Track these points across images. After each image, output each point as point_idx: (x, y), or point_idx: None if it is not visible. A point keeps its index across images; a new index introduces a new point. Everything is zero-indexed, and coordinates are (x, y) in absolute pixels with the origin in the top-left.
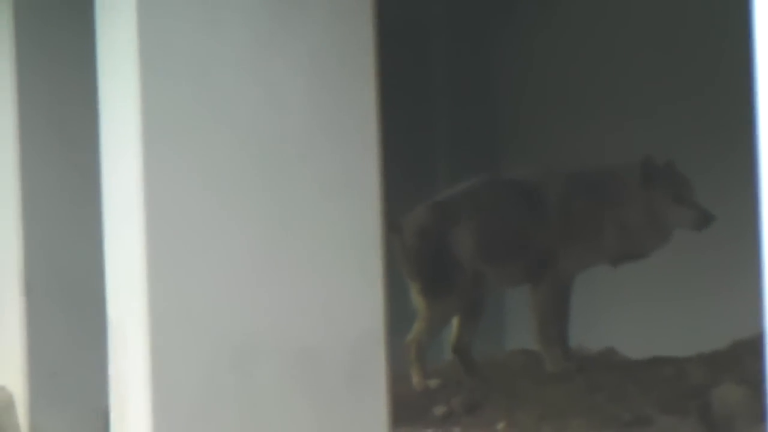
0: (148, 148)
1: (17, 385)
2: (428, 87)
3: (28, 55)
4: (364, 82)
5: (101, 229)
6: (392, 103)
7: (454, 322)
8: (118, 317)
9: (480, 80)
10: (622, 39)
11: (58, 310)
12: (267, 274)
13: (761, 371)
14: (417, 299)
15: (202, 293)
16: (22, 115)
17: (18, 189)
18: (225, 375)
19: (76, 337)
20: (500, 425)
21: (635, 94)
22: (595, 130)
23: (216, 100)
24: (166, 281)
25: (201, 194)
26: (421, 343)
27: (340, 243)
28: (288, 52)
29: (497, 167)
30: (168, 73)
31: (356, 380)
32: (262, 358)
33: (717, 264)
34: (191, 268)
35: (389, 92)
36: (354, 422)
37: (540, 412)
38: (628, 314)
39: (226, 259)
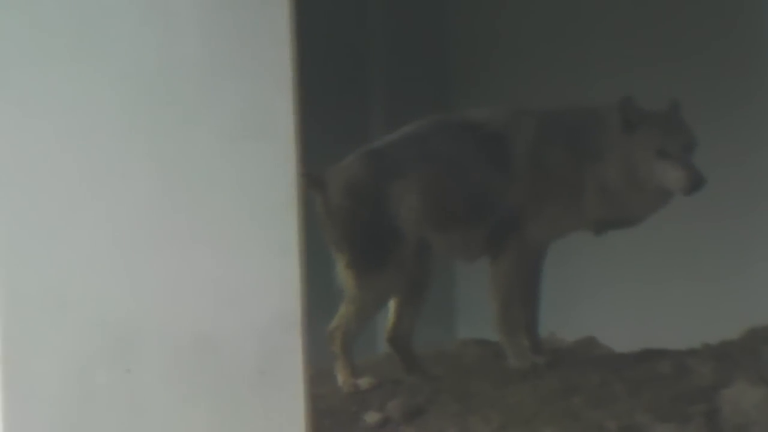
0: None
1: None
2: (362, 13)
3: None
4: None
5: None
6: (315, 31)
7: (391, 305)
8: None
9: (428, 3)
10: None
11: None
12: (152, 245)
13: None
14: (344, 275)
15: (67, 271)
16: None
17: None
18: (99, 372)
19: None
20: None
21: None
22: (574, 72)
23: (89, 22)
24: (18, 257)
25: (64, 143)
26: (349, 332)
27: (245, 204)
28: None
29: (447, 110)
30: None
31: (266, 377)
32: (146, 350)
33: (727, 235)
34: (52, 239)
35: (312, 17)
36: (263, 429)
37: (500, 419)
38: (613, 296)
39: (100, 227)
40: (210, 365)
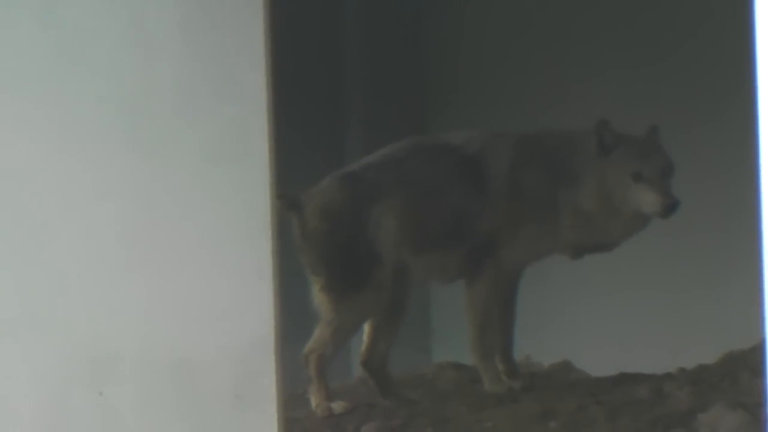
0: None
1: None
2: (340, 34)
3: None
4: (254, 21)
5: None
6: (290, 54)
7: (365, 328)
8: None
9: (405, 27)
10: None
11: None
12: (127, 267)
13: (761, 391)
14: (320, 298)
15: (45, 292)
16: None
17: None
18: (76, 395)
19: None
20: None
21: (600, 50)
22: (547, 94)
23: (66, 42)
24: None
25: (41, 164)
26: (324, 355)
27: (220, 227)
28: None
29: (423, 132)
30: (4, 5)
31: (241, 400)
32: (123, 373)
33: (704, 259)
34: (30, 260)
35: (287, 40)
36: None
37: None
38: (589, 319)
39: (78, 248)
40: (185, 388)
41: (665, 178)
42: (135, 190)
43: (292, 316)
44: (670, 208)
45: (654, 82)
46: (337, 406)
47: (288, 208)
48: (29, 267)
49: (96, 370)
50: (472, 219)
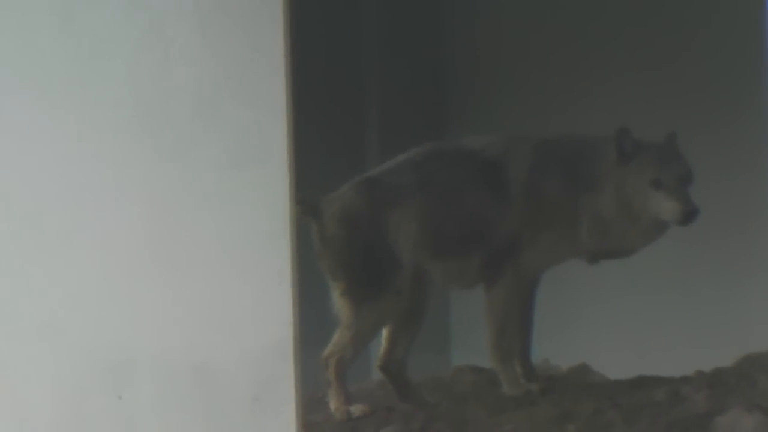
0: None
1: None
2: (360, 40)
3: None
4: (273, 26)
5: None
6: (310, 59)
7: (384, 332)
8: None
9: (424, 32)
10: None
11: None
12: (146, 271)
13: None
14: (340, 303)
15: (64, 298)
16: None
17: None
18: (95, 399)
19: None
20: None
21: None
22: (567, 99)
23: (85, 48)
24: (12, 283)
25: (60, 169)
26: (344, 359)
27: (239, 231)
28: None
29: (442, 137)
30: (24, 12)
31: (260, 404)
32: (142, 377)
33: (721, 262)
34: (50, 265)
35: (309, 42)
36: None
37: None
38: (607, 323)
39: (97, 253)
40: (204, 392)
41: (684, 186)
42: (154, 195)
43: (310, 320)
44: (689, 215)
45: (671, 86)
46: (356, 409)
47: (307, 213)
48: (48, 272)
49: (115, 374)
50: (492, 224)
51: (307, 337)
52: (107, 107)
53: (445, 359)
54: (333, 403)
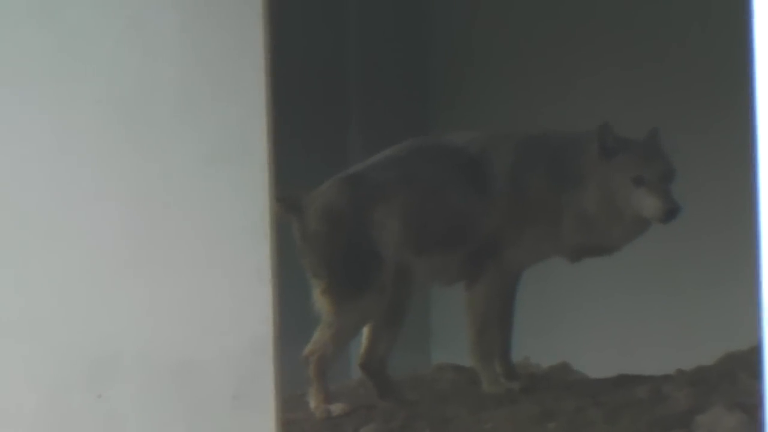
0: None
1: None
2: (342, 37)
3: None
4: (254, 23)
5: None
6: (291, 55)
7: (365, 330)
8: None
9: (406, 29)
10: None
11: None
12: (126, 268)
13: (758, 392)
14: (321, 301)
15: (43, 294)
16: None
17: None
18: (75, 397)
19: None
20: None
21: (610, 50)
22: (550, 95)
23: (65, 44)
24: None
25: (43, 165)
26: (325, 357)
27: (219, 228)
28: None
29: (425, 133)
30: (3, 7)
31: (239, 401)
32: (122, 374)
33: (702, 260)
34: (29, 261)
35: (290, 39)
36: None
37: None
38: (588, 322)
39: (77, 249)
40: (183, 390)
41: (666, 183)
42: (134, 191)
43: (291, 318)
44: (670, 213)
45: (655, 84)
46: (336, 408)
47: (288, 210)
48: (28, 268)
49: (95, 372)
50: (475, 220)
51: (287, 334)
52: (87, 104)
53: (426, 357)
54: (313, 402)
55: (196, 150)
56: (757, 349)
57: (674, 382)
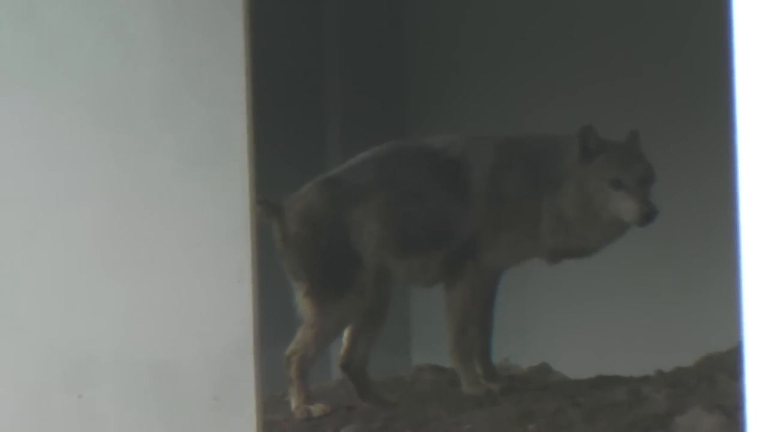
0: None
1: None
2: (320, 38)
3: None
4: (234, 24)
5: None
6: (273, 56)
7: (345, 331)
8: None
9: (385, 31)
10: None
11: None
12: (106, 269)
13: (738, 394)
14: (303, 303)
15: (22, 295)
16: None
17: None
18: (55, 397)
19: None
20: None
21: (590, 54)
22: (534, 98)
23: (45, 45)
24: None
25: (19, 166)
26: (306, 358)
27: (199, 229)
28: None
29: (405, 136)
30: None
31: (220, 402)
32: (102, 375)
33: (681, 262)
34: (7, 262)
35: (269, 41)
36: None
37: None
38: (567, 323)
39: (56, 251)
40: (164, 390)
41: (645, 186)
42: (113, 193)
43: (271, 319)
44: (647, 216)
45: (634, 87)
46: (316, 408)
47: (269, 213)
48: (6, 269)
49: (74, 373)
50: (453, 222)
51: (267, 335)
52: (66, 105)
53: (406, 358)
54: (294, 402)
55: (176, 151)
56: (736, 351)
57: (653, 384)
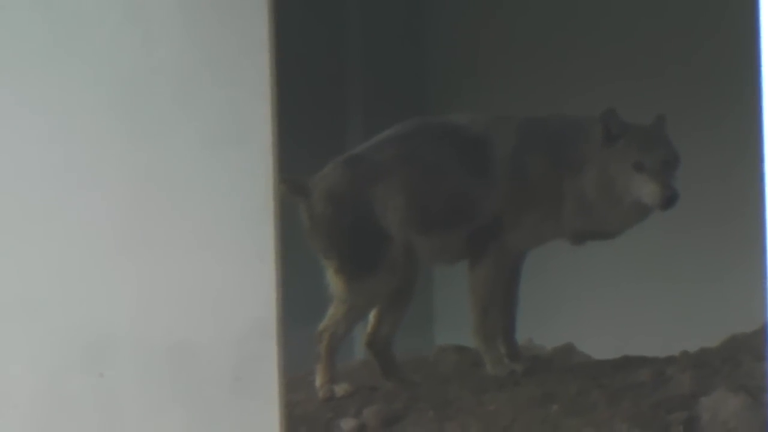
0: None
1: None
2: (342, 20)
3: None
4: (256, 5)
5: None
6: (295, 37)
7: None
8: None
9: (407, 15)
10: None
11: None
12: (128, 250)
13: (763, 375)
14: (334, 281)
15: (43, 277)
16: None
17: None
18: (75, 378)
19: None
20: None
21: (614, 37)
22: (552, 85)
23: (67, 27)
24: None
25: (40, 148)
26: (337, 335)
27: (222, 210)
28: None
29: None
30: None
31: (242, 383)
32: (122, 356)
33: (706, 243)
34: (29, 245)
35: (291, 23)
36: None
37: (478, 426)
38: (592, 303)
39: (78, 232)
40: (185, 371)
41: (668, 170)
42: (135, 174)
43: (295, 299)
44: (669, 200)
45: (660, 74)
46: (340, 389)
47: (294, 193)
48: (28, 252)
49: (95, 353)
50: (476, 200)
51: (291, 315)
52: (88, 88)
53: (429, 339)
54: (319, 379)
55: (198, 133)
56: (761, 332)
57: (678, 365)
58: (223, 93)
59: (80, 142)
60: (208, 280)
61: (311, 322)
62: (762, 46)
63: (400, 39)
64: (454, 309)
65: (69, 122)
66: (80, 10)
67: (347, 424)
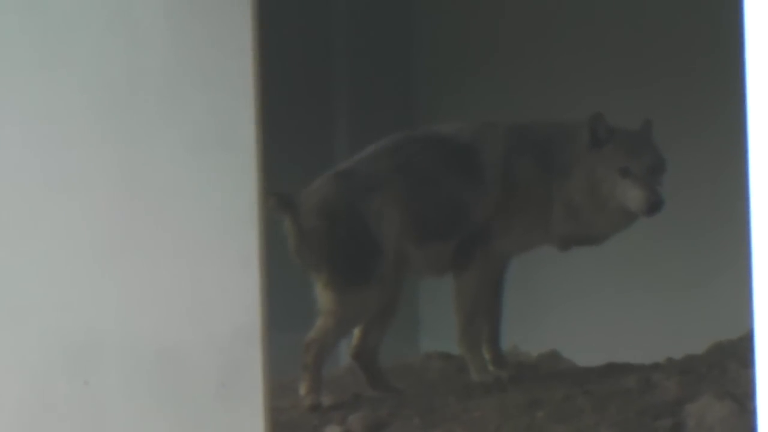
0: None
1: None
2: (328, 30)
3: None
4: (241, 10)
5: None
6: (281, 46)
7: None
8: None
9: (393, 22)
10: None
11: None
12: (113, 255)
13: (749, 381)
14: (324, 295)
15: (26, 281)
16: None
17: None
18: (58, 383)
19: None
20: None
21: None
22: (543, 88)
23: (51, 32)
24: None
25: (25, 151)
26: (325, 346)
27: (206, 215)
28: None
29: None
30: None
31: (227, 389)
32: (107, 361)
33: (692, 249)
34: (13, 249)
35: (276, 32)
36: None
37: None
38: (577, 309)
39: (62, 237)
40: (170, 377)
41: (654, 175)
42: (119, 178)
43: (279, 305)
44: (654, 206)
45: (647, 79)
46: (326, 399)
47: (282, 207)
48: (12, 256)
49: (80, 359)
50: (467, 209)
51: (275, 321)
52: (73, 92)
53: (414, 346)
54: (303, 389)
55: (182, 138)
56: (747, 339)
57: (664, 371)
58: (208, 98)
59: (64, 146)
60: (192, 286)
61: (296, 328)
62: (747, 51)
63: (388, 49)
64: (439, 316)
65: (53, 126)
66: (65, 15)
67: (332, 431)
